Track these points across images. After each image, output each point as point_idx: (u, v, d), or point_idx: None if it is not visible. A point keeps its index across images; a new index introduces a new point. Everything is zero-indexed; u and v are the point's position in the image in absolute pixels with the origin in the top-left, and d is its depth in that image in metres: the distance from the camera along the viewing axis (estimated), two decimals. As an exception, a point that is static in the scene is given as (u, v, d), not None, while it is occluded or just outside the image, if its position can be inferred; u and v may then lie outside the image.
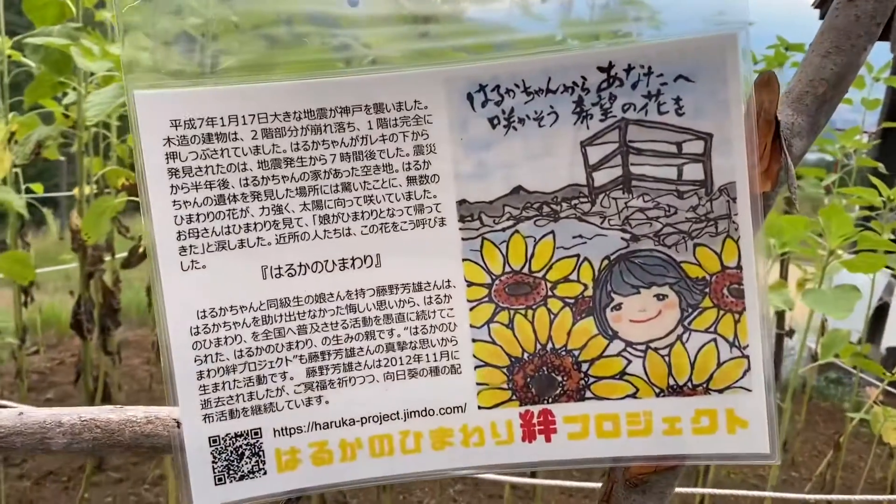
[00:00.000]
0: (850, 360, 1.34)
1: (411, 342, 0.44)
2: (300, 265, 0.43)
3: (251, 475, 0.44)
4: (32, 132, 1.76)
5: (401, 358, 0.44)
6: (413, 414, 0.45)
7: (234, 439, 0.43)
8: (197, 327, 0.42)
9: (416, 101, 0.42)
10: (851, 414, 1.56)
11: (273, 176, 0.42)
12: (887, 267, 1.51)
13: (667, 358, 0.44)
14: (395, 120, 0.42)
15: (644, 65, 0.41)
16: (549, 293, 0.44)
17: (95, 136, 2.25)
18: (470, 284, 0.44)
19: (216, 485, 0.43)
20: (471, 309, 0.44)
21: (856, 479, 2.32)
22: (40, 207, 2.50)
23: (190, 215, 0.41)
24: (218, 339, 0.42)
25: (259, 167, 0.42)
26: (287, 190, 0.42)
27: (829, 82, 0.44)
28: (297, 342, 0.43)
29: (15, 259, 1.66)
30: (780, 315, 2.61)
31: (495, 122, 0.42)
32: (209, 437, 0.43)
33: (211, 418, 0.43)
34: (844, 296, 1.12)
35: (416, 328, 0.44)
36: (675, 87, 0.41)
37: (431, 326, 0.44)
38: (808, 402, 2.70)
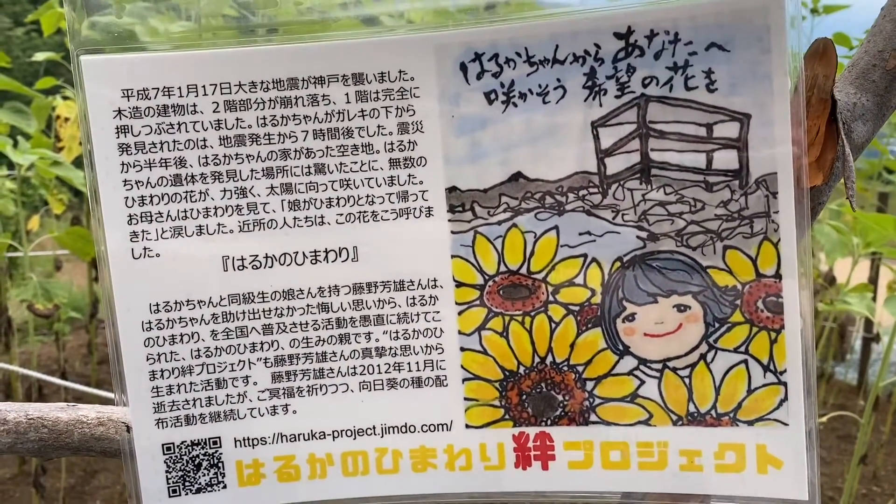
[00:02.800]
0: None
1: (391, 348, 0.39)
2: (266, 256, 0.38)
3: (209, 488, 0.39)
4: (99, 110, 1.78)
5: (379, 366, 0.39)
6: (391, 430, 0.39)
7: (190, 448, 0.39)
8: (149, 322, 0.38)
9: (400, 72, 0.37)
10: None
11: (236, 154, 0.37)
12: None
13: (687, 380, 0.37)
14: (377, 93, 0.37)
15: (669, 30, 0.35)
16: (551, 298, 0.38)
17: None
18: (459, 285, 0.38)
19: (170, 497, 0.39)
20: (460, 313, 0.38)
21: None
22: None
23: (142, 197, 0.37)
24: (173, 336, 0.38)
25: (221, 144, 0.37)
26: (252, 171, 0.37)
27: (904, 54, 0.36)
28: (262, 343, 0.38)
29: (78, 235, 1.68)
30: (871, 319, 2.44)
31: (492, 96, 0.37)
32: (162, 445, 0.39)
33: (164, 423, 0.38)
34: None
35: (397, 333, 0.39)
36: (707, 57, 0.35)
37: (414, 331, 0.39)
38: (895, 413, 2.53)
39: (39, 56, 2.07)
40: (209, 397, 0.39)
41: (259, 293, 0.38)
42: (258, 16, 0.42)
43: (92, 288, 2.29)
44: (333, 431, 0.39)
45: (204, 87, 0.37)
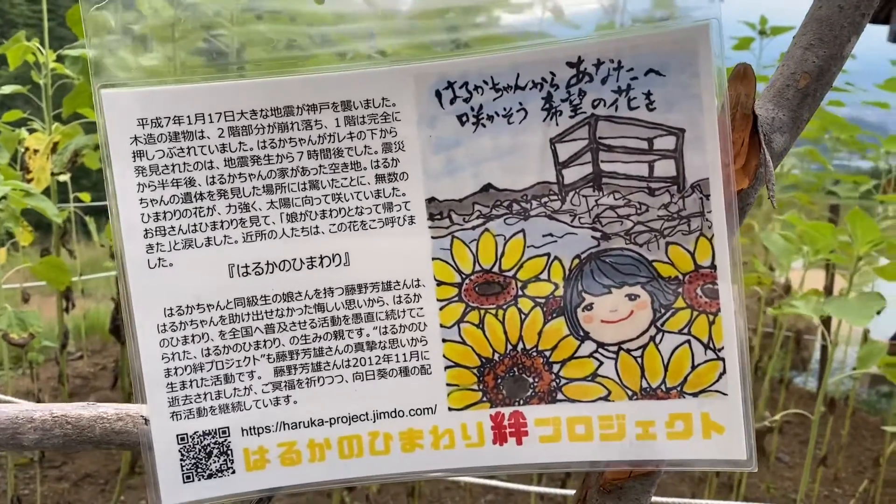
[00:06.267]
0: (885, 372, 1.29)
1: (381, 342, 0.44)
2: (267, 263, 0.43)
3: (219, 474, 0.43)
4: (70, 142, 1.81)
5: (370, 358, 0.44)
6: (382, 415, 0.44)
7: (202, 437, 0.43)
8: (164, 325, 0.42)
9: (383, 99, 0.42)
10: (890, 428, 1.50)
11: (240, 174, 0.42)
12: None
13: (639, 360, 0.42)
14: (363, 117, 0.42)
15: (614, 59, 0.40)
16: (520, 292, 0.43)
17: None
18: (440, 284, 0.43)
19: (184, 483, 0.43)
20: (441, 308, 0.43)
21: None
22: (83, 216, 2.57)
23: (157, 213, 0.41)
24: (185, 337, 0.42)
25: (226, 165, 0.42)
26: (254, 188, 0.42)
27: (812, 75, 0.42)
28: (265, 341, 0.43)
29: (51, 265, 1.70)
30: (826, 325, 2.54)
31: (464, 119, 0.42)
32: (177, 435, 0.43)
33: (178, 416, 0.43)
34: (867, 303, 1.08)
35: (386, 328, 0.43)
36: (646, 81, 0.40)
37: (401, 326, 0.43)
38: (853, 416, 2.62)
39: (6, 89, 2.09)
40: (218, 391, 0.43)
41: (262, 296, 0.43)
42: (243, 53, 0.47)
43: (62, 319, 2.29)
44: (330, 418, 0.44)
45: (210, 115, 0.41)
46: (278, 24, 0.43)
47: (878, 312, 1.24)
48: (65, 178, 2.28)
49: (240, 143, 0.42)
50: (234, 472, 0.44)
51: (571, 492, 1.47)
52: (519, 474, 2.16)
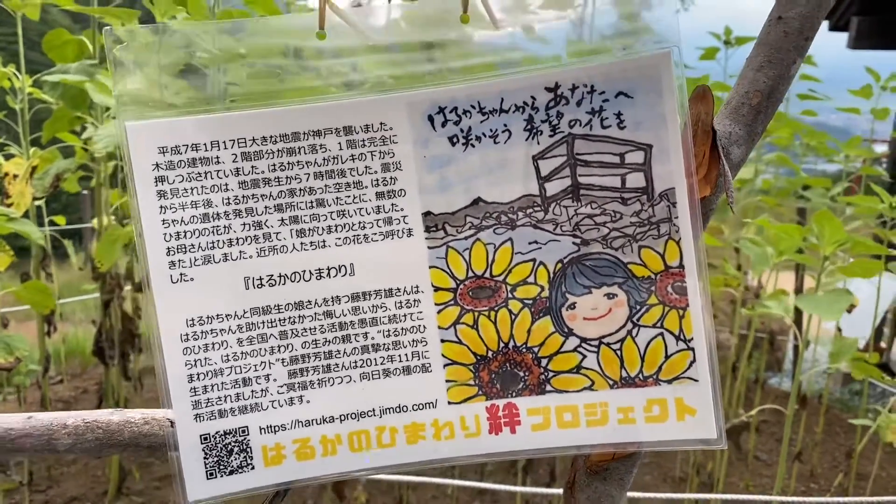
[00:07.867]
0: (855, 370, 1.36)
1: (384, 344, 0.48)
2: (280, 276, 0.47)
3: (240, 470, 0.47)
4: (51, 166, 1.83)
5: (375, 359, 0.48)
6: (388, 411, 0.48)
7: (223, 437, 0.47)
8: (186, 335, 0.46)
9: (381, 123, 0.46)
10: (856, 421, 1.57)
11: (253, 195, 0.46)
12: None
13: (619, 352, 0.47)
14: (363, 141, 0.46)
15: (587, 84, 0.45)
16: (510, 295, 0.47)
17: (115, 169, 2.31)
18: (437, 289, 0.47)
19: (208, 479, 0.47)
20: (438, 312, 0.48)
21: (876, 489, 2.31)
22: (61, 239, 2.58)
23: (178, 232, 0.45)
24: (206, 345, 0.46)
25: (240, 187, 0.46)
26: (266, 207, 0.46)
27: (763, 93, 0.47)
28: (279, 347, 0.47)
29: (36, 289, 1.71)
30: (798, 325, 2.61)
31: (454, 140, 0.46)
32: (200, 436, 0.47)
33: (201, 418, 0.47)
34: (837, 299, 1.14)
35: (389, 331, 0.48)
36: (616, 103, 0.45)
37: (403, 329, 0.48)
38: (827, 414, 2.69)
39: (-16, 116, 2.10)
40: (237, 394, 0.47)
41: (275, 306, 0.47)
42: (239, 85, 0.51)
43: (44, 342, 2.29)
44: (341, 415, 0.48)
45: (224, 142, 0.46)
46: (273, 58, 0.47)
47: (849, 310, 1.30)
48: (38, 201, 2.29)
49: (252, 166, 0.46)
50: (253, 468, 0.47)
51: (556, 491, 1.51)
52: (506, 475, 2.20)
